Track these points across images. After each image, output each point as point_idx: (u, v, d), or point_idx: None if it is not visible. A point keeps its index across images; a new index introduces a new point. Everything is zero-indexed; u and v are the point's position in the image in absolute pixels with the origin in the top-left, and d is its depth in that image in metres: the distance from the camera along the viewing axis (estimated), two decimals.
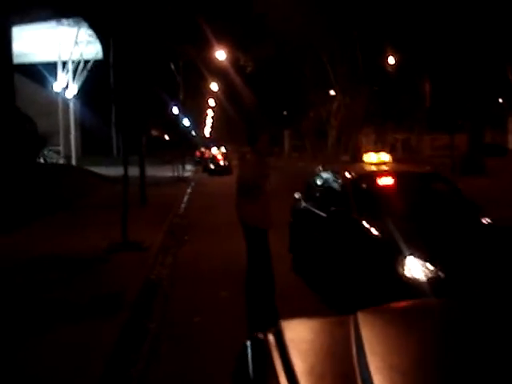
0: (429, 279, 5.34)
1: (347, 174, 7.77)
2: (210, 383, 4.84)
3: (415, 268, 5.45)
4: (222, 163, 38.63)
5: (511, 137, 34.67)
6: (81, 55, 36.88)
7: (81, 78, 37.63)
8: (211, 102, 60.27)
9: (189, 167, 42.41)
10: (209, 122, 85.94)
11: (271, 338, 2.11)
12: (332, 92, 42.01)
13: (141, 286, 7.76)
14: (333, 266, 7.11)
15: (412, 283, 5.35)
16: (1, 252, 9.53)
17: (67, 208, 15.50)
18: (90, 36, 35.11)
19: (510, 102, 35.21)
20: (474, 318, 2.29)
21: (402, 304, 2.80)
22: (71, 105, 36.85)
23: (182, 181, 29.56)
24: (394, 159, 27.55)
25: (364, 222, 6.53)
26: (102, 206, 15.77)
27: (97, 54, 36.92)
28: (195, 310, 6.99)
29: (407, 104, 37.96)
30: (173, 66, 40.31)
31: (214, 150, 42.95)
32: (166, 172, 30.55)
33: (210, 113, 75.28)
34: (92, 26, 33.43)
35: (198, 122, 73.08)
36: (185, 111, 47.72)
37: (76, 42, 35.53)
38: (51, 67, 36.19)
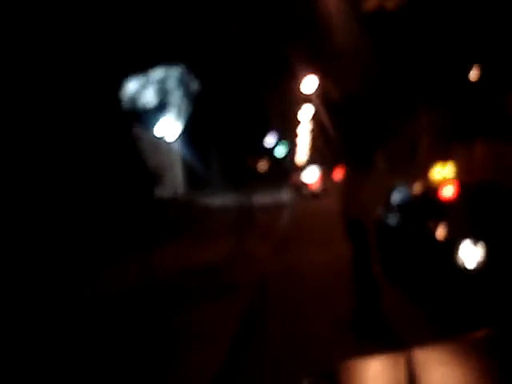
0: None
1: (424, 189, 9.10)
2: None
3: None
4: (315, 188, 39.61)
5: None
6: (181, 96, 40.19)
7: (183, 116, 40.88)
8: (306, 128, 62.56)
9: (286, 193, 44.51)
10: (303, 147, 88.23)
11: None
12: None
13: (256, 281, 10.06)
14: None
15: None
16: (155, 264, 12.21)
17: (187, 232, 18.07)
18: (188, 77, 38.53)
19: None
20: None
21: (463, 339, 2.57)
22: (174, 145, 40.05)
23: (280, 206, 31.68)
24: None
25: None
26: (214, 229, 18.25)
27: (194, 90, 40.22)
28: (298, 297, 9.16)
29: (493, 116, 38.30)
30: (264, 97, 43.19)
31: (308, 176, 43.81)
32: (265, 199, 32.85)
33: (304, 139, 77.63)
34: (191, 69, 37.02)
35: (293, 149, 75.61)
36: (280, 139, 50.37)
37: (178, 85, 38.93)
38: (155, 109, 39.64)
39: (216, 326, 7.25)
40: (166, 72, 37.54)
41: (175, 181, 39.35)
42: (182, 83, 38.90)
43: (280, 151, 47.15)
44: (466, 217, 7.72)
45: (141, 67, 32.04)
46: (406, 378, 1.97)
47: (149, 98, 38.49)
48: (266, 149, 42.53)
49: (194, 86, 39.33)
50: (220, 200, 29.20)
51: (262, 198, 32.21)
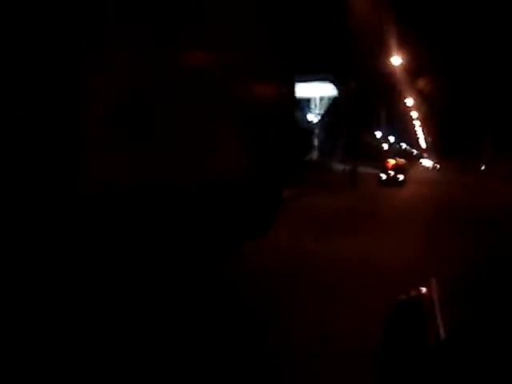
0: None
1: None
2: None
3: None
4: (392, 174, 40.84)
5: None
6: (324, 95, 60.48)
7: (323, 109, 61.45)
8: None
9: None
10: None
11: None
12: None
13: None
14: None
15: None
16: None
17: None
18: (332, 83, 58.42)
19: None
20: None
21: None
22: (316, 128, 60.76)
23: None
24: None
25: None
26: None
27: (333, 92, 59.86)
28: None
29: None
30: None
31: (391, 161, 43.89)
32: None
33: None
34: (335, 79, 56.72)
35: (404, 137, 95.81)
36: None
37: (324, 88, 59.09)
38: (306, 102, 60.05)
39: None
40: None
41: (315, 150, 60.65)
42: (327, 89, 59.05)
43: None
44: None
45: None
46: None
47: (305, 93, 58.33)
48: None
49: (334, 91, 59.34)
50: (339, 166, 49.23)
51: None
